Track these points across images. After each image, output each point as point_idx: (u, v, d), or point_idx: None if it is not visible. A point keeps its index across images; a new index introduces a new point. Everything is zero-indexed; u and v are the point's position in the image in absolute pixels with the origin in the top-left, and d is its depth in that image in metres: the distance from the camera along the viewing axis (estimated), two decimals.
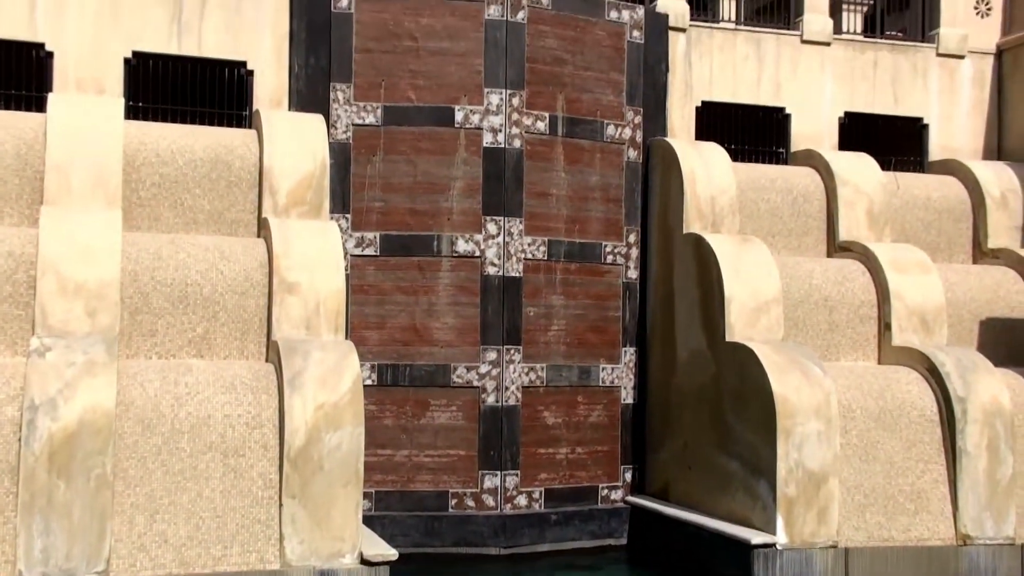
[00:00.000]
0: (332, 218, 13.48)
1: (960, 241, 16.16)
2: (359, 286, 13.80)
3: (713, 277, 13.58)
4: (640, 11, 15.27)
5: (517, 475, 13.96)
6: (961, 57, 17.14)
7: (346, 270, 13.14)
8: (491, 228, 14.05)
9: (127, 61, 13.80)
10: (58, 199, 12.09)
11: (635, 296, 14.99)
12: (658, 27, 15.45)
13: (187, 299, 11.87)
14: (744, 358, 12.79)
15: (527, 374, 14.13)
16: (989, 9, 17.29)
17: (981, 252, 16.09)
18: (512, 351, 14.03)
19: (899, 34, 17.67)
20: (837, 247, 15.27)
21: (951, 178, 16.45)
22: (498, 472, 13.88)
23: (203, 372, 11.30)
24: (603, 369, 14.70)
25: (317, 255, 12.24)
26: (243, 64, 14.20)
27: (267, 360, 12.00)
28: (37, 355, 10.45)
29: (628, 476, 14.83)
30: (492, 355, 13.95)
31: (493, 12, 14.18)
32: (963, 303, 14.94)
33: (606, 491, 14.66)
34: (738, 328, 13.24)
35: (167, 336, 11.80)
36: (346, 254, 13.59)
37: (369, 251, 13.91)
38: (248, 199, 13.18)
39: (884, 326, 14.24)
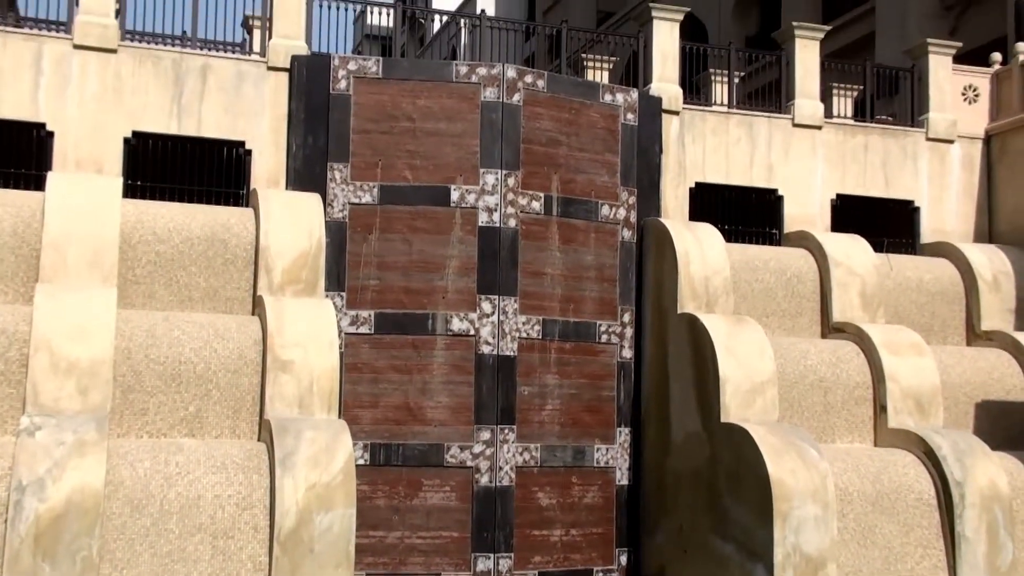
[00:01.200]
0: (327, 296, 13.50)
1: (953, 323, 16.19)
2: (353, 364, 13.74)
3: (707, 357, 13.55)
4: (634, 94, 15.52)
5: (511, 557, 13.75)
6: (951, 142, 17.39)
7: (340, 348, 13.11)
8: (486, 307, 14.06)
9: (127, 140, 13.95)
10: (54, 276, 12.11)
11: (630, 376, 14.94)
12: (652, 110, 15.68)
13: (180, 377, 11.82)
14: (739, 440, 12.70)
15: (521, 454, 14.01)
16: (977, 95, 17.60)
17: (974, 334, 16.12)
18: (506, 431, 13.93)
19: (889, 119, 17.94)
20: (831, 328, 15.29)
21: (944, 260, 16.55)
22: (491, 554, 13.67)
23: (194, 451, 11.19)
24: (598, 449, 14.58)
25: (311, 333, 12.23)
26: (242, 144, 14.36)
27: (259, 439, 11.90)
28: (27, 434, 10.36)
29: (623, 559, 14.62)
30: (486, 435, 13.85)
31: (489, 94, 14.39)
32: (958, 385, 14.90)
33: (601, 574, 14.43)
34: (733, 409, 13.18)
35: (159, 415, 11.72)
36: (340, 332, 13.57)
37: (364, 329, 13.90)
38: (244, 277, 13.20)
39: (880, 408, 14.19)
